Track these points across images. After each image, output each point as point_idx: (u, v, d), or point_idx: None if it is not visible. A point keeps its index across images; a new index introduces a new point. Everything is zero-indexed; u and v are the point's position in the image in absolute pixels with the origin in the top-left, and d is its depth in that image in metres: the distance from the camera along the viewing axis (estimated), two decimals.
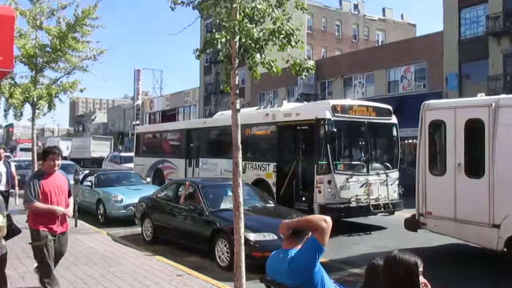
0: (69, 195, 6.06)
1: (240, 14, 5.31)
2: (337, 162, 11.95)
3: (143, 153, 22.04)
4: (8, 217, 5.16)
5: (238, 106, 5.65)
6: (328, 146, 11.63)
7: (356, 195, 11.80)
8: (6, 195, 9.85)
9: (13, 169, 10.77)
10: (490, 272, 8.19)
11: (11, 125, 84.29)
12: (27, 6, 12.59)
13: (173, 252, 9.45)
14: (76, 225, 11.55)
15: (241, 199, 5.61)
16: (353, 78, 32.82)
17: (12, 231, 5.25)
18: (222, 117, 17.11)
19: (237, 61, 5.50)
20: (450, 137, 8.74)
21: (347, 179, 11.77)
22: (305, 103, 17.22)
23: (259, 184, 13.20)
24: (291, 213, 8.62)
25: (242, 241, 5.60)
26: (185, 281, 6.94)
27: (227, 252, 8.17)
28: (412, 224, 9.41)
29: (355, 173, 12.03)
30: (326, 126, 11.73)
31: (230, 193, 8.97)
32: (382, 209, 12.17)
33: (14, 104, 13.02)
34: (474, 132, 8.45)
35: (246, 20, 5.27)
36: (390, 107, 13.67)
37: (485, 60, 24.64)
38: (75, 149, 43.99)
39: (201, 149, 17.56)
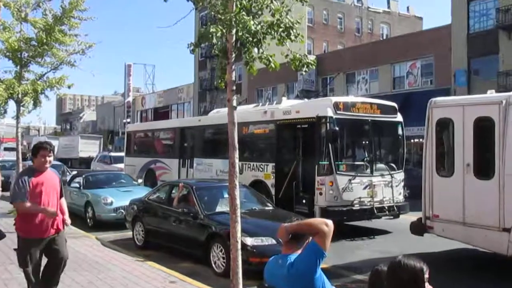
0: (61, 195, 5.90)
1: (236, 6, 5.31)
2: (339, 163, 11.96)
3: (134, 153, 22.01)
4: None
5: (234, 103, 5.65)
6: (330, 145, 11.64)
7: (359, 197, 11.81)
8: None
9: None
10: (500, 279, 8.21)
11: None
12: None
13: (166, 258, 9.45)
14: (63, 229, 11.52)
15: (237, 202, 5.61)
16: (356, 74, 32.84)
17: None
18: (218, 115, 17.09)
19: (233, 55, 5.49)
20: (458, 136, 8.76)
21: (350, 180, 11.79)
22: (306, 100, 17.23)
23: (257, 185, 13.20)
24: (291, 216, 8.56)
25: (239, 246, 5.60)
26: None
27: (223, 258, 8.17)
28: (418, 228, 9.43)
29: (358, 174, 12.05)
30: (328, 125, 11.73)
31: (226, 195, 8.95)
32: (387, 212, 12.19)
33: None
34: (484, 130, 8.47)
35: (243, 12, 5.27)
36: (395, 105, 13.69)
37: (495, 55, 24.68)
38: (62, 148, 43.91)
39: (195, 149, 17.55)
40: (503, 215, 7.97)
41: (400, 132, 13.46)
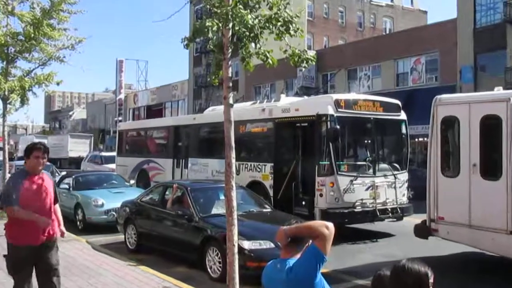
0: (55, 200, 5.73)
1: None
2: (341, 163, 11.97)
3: (126, 152, 21.98)
4: None
5: (231, 101, 5.65)
6: (331, 144, 11.65)
7: (361, 199, 11.82)
8: None
9: None
10: (508, 283, 8.22)
11: None
12: None
13: (160, 262, 9.45)
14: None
15: (234, 204, 5.61)
16: (358, 70, 32.86)
17: None
18: (214, 113, 17.09)
19: (229, 51, 5.49)
20: (464, 135, 8.77)
21: (352, 181, 11.80)
22: (305, 97, 17.23)
23: (255, 186, 13.21)
24: (290, 218, 8.55)
25: (236, 249, 5.61)
26: None
27: (219, 262, 8.17)
28: (423, 231, 9.44)
29: (360, 175, 12.06)
30: (328, 123, 11.74)
31: (222, 197, 8.96)
32: (390, 214, 12.21)
33: None
34: (491, 129, 8.49)
35: (240, 6, 5.26)
36: (398, 102, 13.71)
37: (503, 50, 24.71)
38: (51, 148, 43.22)
39: (190, 148, 17.54)
40: (510, 217, 7.99)
41: (403, 130, 13.47)
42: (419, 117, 19.70)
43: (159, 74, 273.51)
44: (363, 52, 32.08)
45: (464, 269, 9.24)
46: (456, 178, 8.90)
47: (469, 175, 8.59)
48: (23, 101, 13.28)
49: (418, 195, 13.36)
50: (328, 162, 11.69)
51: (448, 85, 25.44)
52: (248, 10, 5.33)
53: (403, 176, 12.91)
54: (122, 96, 59.96)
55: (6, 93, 12.77)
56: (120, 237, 11.41)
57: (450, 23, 27.22)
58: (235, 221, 5.61)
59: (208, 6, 5.67)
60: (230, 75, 5.61)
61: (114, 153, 25.70)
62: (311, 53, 5.80)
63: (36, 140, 45.48)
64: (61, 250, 9.87)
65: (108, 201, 13.20)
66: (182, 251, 9.34)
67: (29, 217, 5.27)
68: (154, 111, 52.98)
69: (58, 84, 13.44)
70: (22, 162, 22.22)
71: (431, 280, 2.62)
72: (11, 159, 15.56)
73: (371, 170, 12.38)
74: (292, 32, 5.45)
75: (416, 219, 10.86)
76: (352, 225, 12.57)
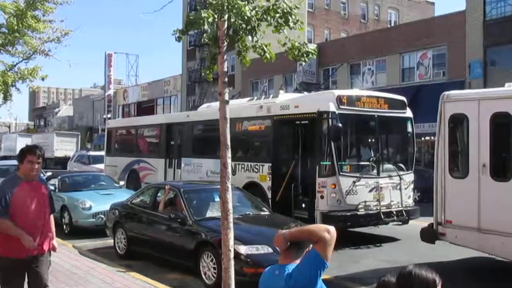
0: (51, 211, 5.53)
1: None
2: (343, 163, 11.98)
3: (116, 152, 21.95)
4: None
5: (227, 97, 5.64)
6: (332, 143, 11.65)
7: (365, 201, 11.84)
8: None
9: None
10: None
11: None
12: None
13: (151, 268, 9.45)
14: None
15: (230, 206, 5.61)
16: (361, 65, 32.88)
17: None
18: (208, 110, 17.08)
19: (225, 44, 5.48)
20: (473, 134, 8.79)
21: (354, 182, 11.81)
22: (306, 93, 17.24)
23: (252, 188, 13.21)
24: (289, 222, 8.60)
25: (232, 255, 5.60)
26: None
27: (214, 268, 8.17)
28: (430, 235, 9.46)
29: (364, 176, 12.07)
30: (330, 121, 11.74)
31: (217, 199, 8.96)
32: (395, 217, 12.23)
33: None
34: (501, 127, 8.51)
35: None
36: (404, 99, 13.73)
37: None
38: None
39: (183, 147, 17.53)
40: None
41: (409, 129, 13.49)
42: (425, 115, 19.74)
43: (150, 68, 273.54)
44: (366, 45, 32.10)
45: (473, 275, 9.26)
46: (464, 179, 8.92)
47: (479, 176, 8.60)
48: (6, 97, 13.24)
49: (425, 197, 13.39)
50: (330, 162, 11.70)
51: (456, 81, 25.47)
52: (245, 1, 5.32)
53: (409, 177, 12.93)
54: (111, 92, 59.86)
55: None
56: (109, 241, 11.39)
57: (459, 16, 27.25)
58: (231, 225, 5.61)
59: None
60: (225, 69, 5.60)
61: (102, 153, 25.65)
62: (312, 47, 5.79)
63: (21, 139, 45.45)
64: None
65: (96, 203, 13.18)
66: (175, 257, 9.33)
67: (15, 232, 5.03)
68: (145, 108, 52.90)
69: (43, 79, 13.39)
70: (5, 162, 22.12)
71: (439, 287, 2.63)
72: None
73: (375, 171, 12.40)
74: (291, 24, 5.44)
75: (422, 222, 10.88)
76: (355, 229, 12.58)
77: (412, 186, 13.00)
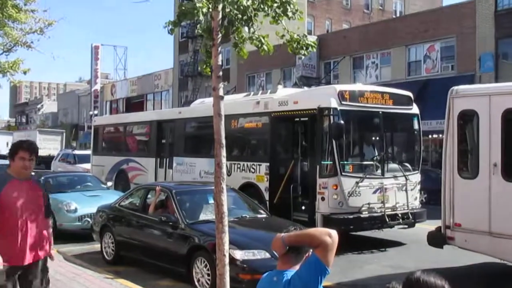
0: (47, 214, 5.36)
1: None
2: (345, 162, 11.99)
3: (103, 150, 21.92)
4: None
5: (221, 92, 5.64)
6: (334, 142, 11.66)
7: (368, 203, 11.85)
8: None
9: None
10: None
11: None
12: None
13: (141, 275, 9.44)
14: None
15: (225, 208, 5.61)
16: (364, 58, 32.91)
17: None
18: (202, 106, 17.07)
19: (219, 36, 5.47)
20: (484, 131, 8.80)
21: (357, 183, 11.82)
22: (305, 88, 17.25)
23: (248, 189, 13.21)
24: (288, 225, 8.60)
25: (227, 260, 5.60)
26: None
27: (208, 274, 8.17)
28: (437, 239, 9.47)
29: (367, 176, 12.08)
30: (331, 117, 11.75)
31: (211, 201, 8.95)
32: (400, 220, 12.24)
33: None
34: None
35: None
36: (410, 94, 13.75)
37: None
38: None
39: (175, 146, 17.52)
40: None
41: (416, 126, 13.51)
42: (433, 111, 19.78)
43: (140, 62, 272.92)
44: (370, 37, 32.13)
45: (484, 281, 9.28)
46: (474, 180, 8.93)
47: (489, 176, 8.62)
48: None
49: (432, 198, 13.44)
50: (331, 162, 11.70)
51: (466, 75, 25.53)
52: None
53: (415, 177, 12.95)
54: (98, 86, 59.78)
55: None
56: (96, 246, 11.38)
57: (468, 5, 27.28)
58: (226, 228, 5.61)
59: None
60: (220, 63, 5.60)
61: (89, 152, 25.61)
62: (312, 39, 5.79)
63: (1, 137, 45.26)
64: None
65: (82, 205, 13.16)
66: (166, 262, 9.32)
67: None
68: (134, 104, 52.89)
69: (25, 73, 13.40)
70: None
71: None
72: None
73: (379, 171, 12.41)
74: (290, 15, 5.44)
75: (429, 226, 10.90)
76: (358, 233, 12.60)
77: (418, 187, 13.03)
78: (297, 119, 13.03)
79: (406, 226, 12.60)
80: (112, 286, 8.26)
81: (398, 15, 48.60)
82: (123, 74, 63.49)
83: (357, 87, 13.86)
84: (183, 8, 5.31)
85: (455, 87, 9.47)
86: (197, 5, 5.09)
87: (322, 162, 11.81)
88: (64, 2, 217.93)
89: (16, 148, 5.11)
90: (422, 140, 13.84)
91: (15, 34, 12.59)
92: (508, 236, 8.37)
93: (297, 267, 3.03)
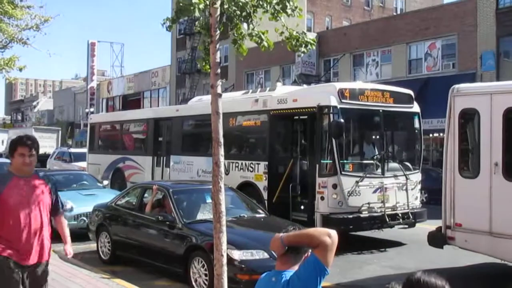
0: (56, 212, 5.26)
1: None
2: (345, 161, 11.99)
3: (99, 149, 21.92)
4: None
5: (219, 90, 5.64)
6: (333, 140, 11.66)
7: (368, 203, 11.85)
8: None
9: None
10: None
11: None
12: None
13: (137, 274, 9.44)
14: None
15: (223, 208, 5.60)
16: (365, 55, 32.91)
17: None
18: (200, 104, 17.06)
19: (218, 32, 5.47)
20: (485, 130, 8.81)
21: (357, 182, 11.82)
22: (305, 86, 17.24)
23: (246, 188, 13.21)
24: (287, 225, 8.61)
25: (224, 260, 5.60)
26: None
27: (206, 275, 8.17)
28: (438, 239, 9.48)
29: (367, 175, 12.09)
30: (331, 116, 11.75)
31: (209, 200, 8.95)
32: (401, 220, 12.25)
33: None
34: None
35: None
36: (411, 92, 13.75)
37: None
38: None
39: (172, 144, 17.51)
40: None
41: (416, 125, 13.52)
42: (434, 110, 19.79)
43: (136, 58, 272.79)
44: (370, 34, 32.12)
45: (485, 282, 9.29)
46: (475, 179, 8.94)
47: (491, 175, 8.63)
48: None
49: (433, 198, 13.44)
50: (331, 161, 11.70)
51: (467, 73, 25.55)
52: None
53: (416, 176, 12.96)
54: (94, 84, 59.76)
55: None
56: (92, 245, 11.38)
57: (470, 3, 27.28)
58: (224, 228, 5.61)
59: None
60: (218, 60, 5.59)
61: (84, 150, 25.60)
62: (311, 36, 5.81)
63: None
64: None
65: (78, 204, 13.13)
66: (163, 262, 9.32)
67: None
68: (131, 101, 52.82)
69: (20, 70, 13.37)
70: None
71: None
72: None
73: (379, 170, 12.42)
74: (289, 11, 5.44)
75: (430, 225, 10.91)
76: (358, 233, 12.60)
77: (419, 186, 13.03)
78: (296, 117, 13.03)
79: (406, 226, 12.61)
80: (109, 286, 8.25)
81: (398, 12, 48.58)
82: (119, 71, 63.52)
83: (357, 85, 13.87)
84: (180, 4, 5.30)
85: (456, 86, 9.47)
86: (194, 1, 5.06)
87: (322, 161, 11.81)
88: None
89: (15, 144, 4.94)
90: (422, 139, 13.85)
91: (10, 30, 12.56)
92: (509, 236, 8.38)
93: (296, 267, 3.03)
